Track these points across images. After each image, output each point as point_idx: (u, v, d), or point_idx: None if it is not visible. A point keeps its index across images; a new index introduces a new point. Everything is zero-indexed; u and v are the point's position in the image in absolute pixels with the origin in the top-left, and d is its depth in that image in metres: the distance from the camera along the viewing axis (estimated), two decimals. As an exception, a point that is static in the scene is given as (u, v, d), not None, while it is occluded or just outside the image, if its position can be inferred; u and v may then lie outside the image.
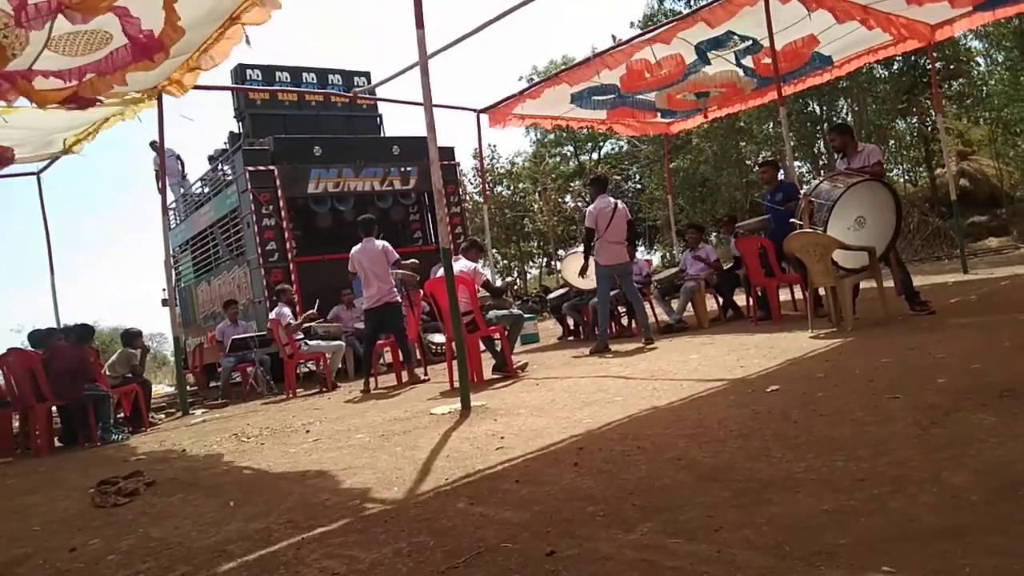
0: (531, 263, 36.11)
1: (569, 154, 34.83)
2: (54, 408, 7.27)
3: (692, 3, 21.47)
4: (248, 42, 6.47)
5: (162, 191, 9.08)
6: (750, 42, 9.61)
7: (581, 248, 7.83)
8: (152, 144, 13.04)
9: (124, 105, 8.13)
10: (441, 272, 5.74)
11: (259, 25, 6.25)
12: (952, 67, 19.84)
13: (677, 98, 11.85)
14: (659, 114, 12.93)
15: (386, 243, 7.36)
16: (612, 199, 7.48)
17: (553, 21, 53.20)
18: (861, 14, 8.23)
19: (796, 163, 21.22)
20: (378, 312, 7.38)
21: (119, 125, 8.70)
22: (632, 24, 25.05)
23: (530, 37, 52.91)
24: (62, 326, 9.49)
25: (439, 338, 9.40)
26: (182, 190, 13.51)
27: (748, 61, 10.37)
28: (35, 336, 7.69)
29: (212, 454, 4.95)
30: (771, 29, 7.84)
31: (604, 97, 11.37)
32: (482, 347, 6.98)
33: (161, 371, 24.49)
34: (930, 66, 13.04)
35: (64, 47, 5.24)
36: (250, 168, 10.07)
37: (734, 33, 9.28)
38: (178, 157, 13.58)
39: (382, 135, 12.30)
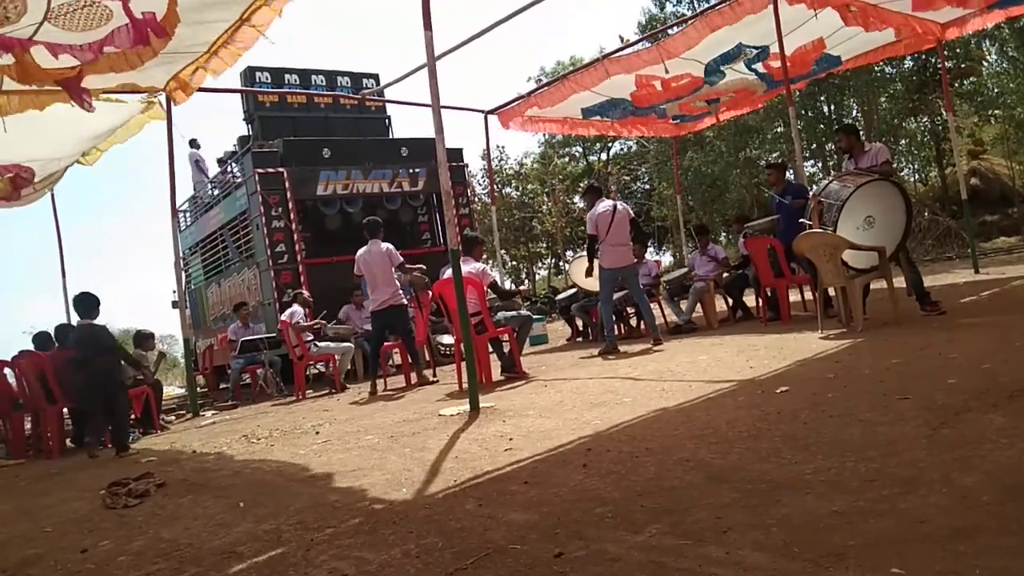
0: (540, 264, 36.14)
1: (578, 155, 34.80)
2: (65, 410, 7.33)
3: (695, 6, 21.46)
4: (268, 34, 6.46)
5: (171, 193, 9.09)
6: (760, 50, 9.62)
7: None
8: (191, 142, 13.40)
9: (131, 115, 8.20)
10: (449, 273, 5.75)
11: (265, 28, 6.28)
12: (963, 65, 19.72)
13: (689, 106, 11.88)
14: (670, 119, 12.94)
15: (390, 246, 7.35)
16: (611, 201, 7.47)
17: (561, 22, 53.23)
18: (870, 15, 8.17)
19: (806, 164, 21.17)
20: (384, 315, 7.38)
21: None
22: (639, 25, 25.06)
23: (538, 39, 52.97)
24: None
25: (448, 339, 9.42)
26: (201, 190, 13.60)
27: (759, 67, 10.37)
28: (39, 339, 7.74)
29: (222, 455, 4.98)
30: (780, 31, 7.80)
31: (617, 108, 11.42)
32: (491, 348, 6.98)
33: (171, 373, 24.64)
34: (940, 65, 12.97)
35: (64, 20, 5.22)
36: (259, 170, 10.11)
37: (745, 45, 9.28)
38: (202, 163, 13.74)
39: (391, 137, 12.33)
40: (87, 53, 5.60)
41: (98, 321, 6.43)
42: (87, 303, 6.28)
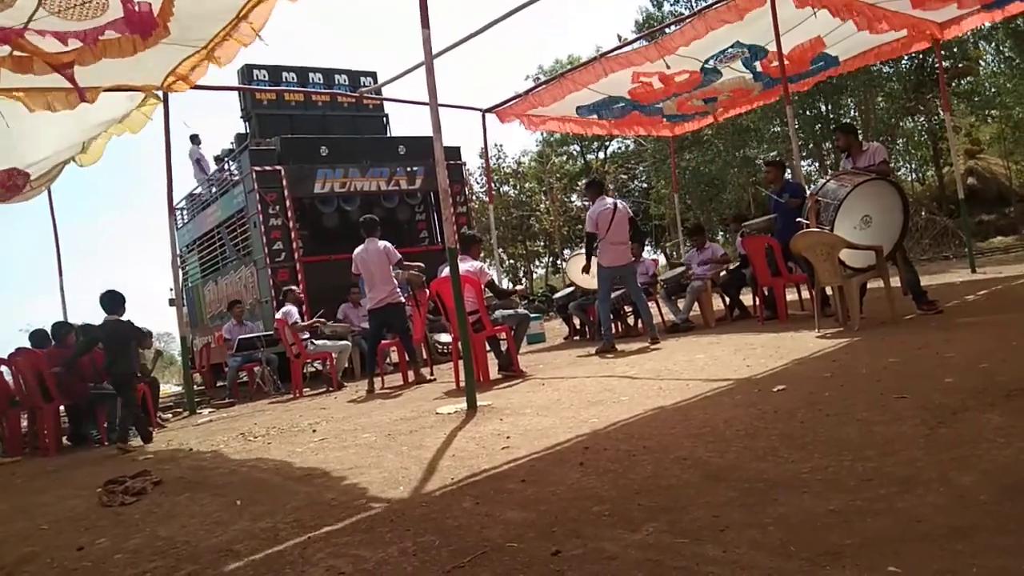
0: (537, 263, 36.16)
1: (575, 153, 34.80)
2: (62, 407, 7.31)
3: (692, 5, 21.46)
4: (264, 33, 6.44)
5: (168, 191, 9.07)
6: (757, 49, 9.61)
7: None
8: (192, 137, 13.35)
9: (128, 111, 8.15)
10: (447, 271, 5.75)
11: (263, 24, 6.24)
12: (960, 65, 19.76)
13: (687, 104, 11.87)
14: (666, 119, 12.93)
15: (388, 243, 7.34)
16: (611, 200, 7.46)
17: (561, 22, 53.21)
18: (868, 14, 8.17)
19: (804, 163, 21.20)
20: (381, 313, 7.37)
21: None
22: (636, 24, 25.06)
23: (537, 38, 52.94)
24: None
25: (445, 338, 9.41)
26: (204, 188, 13.58)
27: (756, 65, 10.37)
28: (36, 336, 7.73)
29: (219, 453, 4.97)
30: (777, 30, 7.81)
31: (615, 106, 11.41)
32: (488, 347, 6.97)
33: (168, 371, 24.61)
34: (938, 64, 12.99)
35: (60, 8, 5.21)
36: (257, 168, 10.10)
37: (742, 44, 9.28)
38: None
39: (388, 135, 12.31)
40: (87, 38, 5.57)
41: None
42: (113, 300, 6.39)
